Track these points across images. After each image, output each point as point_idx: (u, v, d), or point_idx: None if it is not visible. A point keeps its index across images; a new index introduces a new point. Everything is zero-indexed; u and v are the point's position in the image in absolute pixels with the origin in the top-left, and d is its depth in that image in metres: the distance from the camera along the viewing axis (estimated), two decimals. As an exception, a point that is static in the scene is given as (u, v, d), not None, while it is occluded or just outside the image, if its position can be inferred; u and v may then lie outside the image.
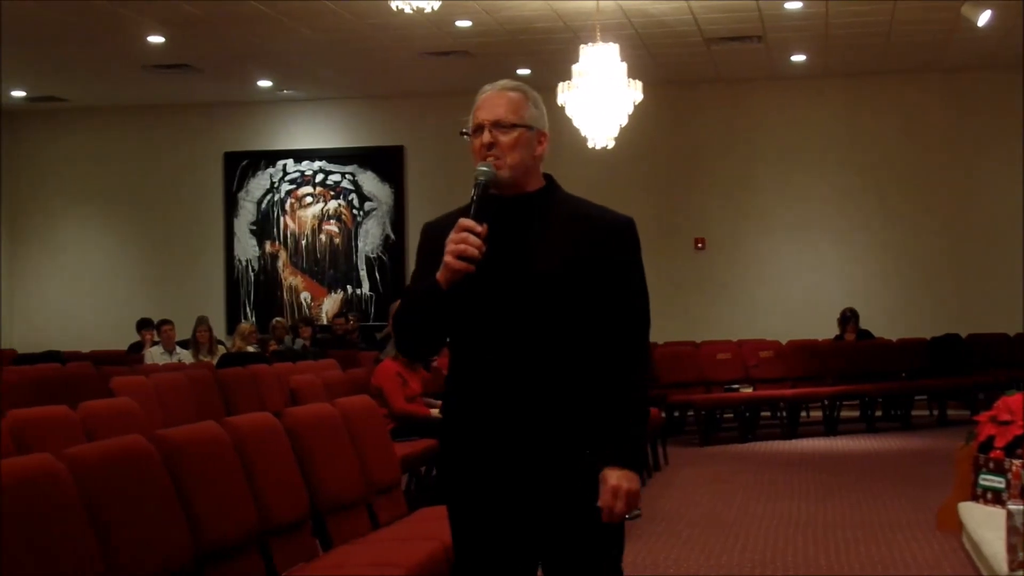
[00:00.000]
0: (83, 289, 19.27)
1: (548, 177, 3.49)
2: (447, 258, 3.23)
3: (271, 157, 19.07)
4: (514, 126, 3.38)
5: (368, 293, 18.85)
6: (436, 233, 3.43)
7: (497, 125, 3.38)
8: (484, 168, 3.34)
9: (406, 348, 3.57)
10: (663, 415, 13.12)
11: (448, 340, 3.46)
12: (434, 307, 3.32)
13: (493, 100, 3.42)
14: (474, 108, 3.43)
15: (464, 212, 3.33)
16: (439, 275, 3.26)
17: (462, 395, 3.40)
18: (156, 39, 14.79)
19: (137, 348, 15.73)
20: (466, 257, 3.22)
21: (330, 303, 18.91)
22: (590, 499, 3.26)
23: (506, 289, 3.32)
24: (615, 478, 3.25)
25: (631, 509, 3.27)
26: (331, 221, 18.97)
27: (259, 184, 19.08)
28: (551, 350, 3.31)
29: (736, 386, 14.63)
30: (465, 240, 3.23)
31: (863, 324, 16.26)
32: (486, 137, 3.37)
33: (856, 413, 15.60)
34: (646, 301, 3.47)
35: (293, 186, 19.03)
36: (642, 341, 3.45)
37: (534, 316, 3.30)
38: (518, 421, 3.30)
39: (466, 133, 3.46)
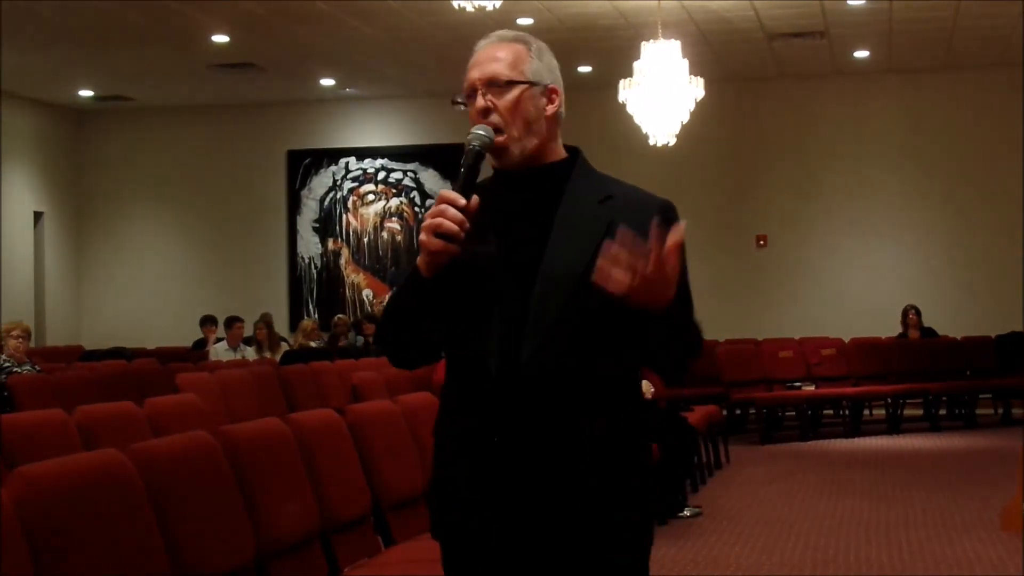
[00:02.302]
0: (149, 286, 19.46)
1: (573, 150, 2.82)
2: (421, 236, 2.62)
3: (333, 155, 19.17)
4: (511, 83, 2.73)
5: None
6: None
7: (491, 85, 2.74)
8: (479, 132, 2.70)
9: (388, 352, 2.87)
10: (724, 413, 13.09)
11: (442, 351, 2.81)
12: (415, 301, 2.70)
13: (486, 55, 2.78)
14: (468, 68, 2.79)
15: (481, 187, 2.72)
16: (419, 260, 2.67)
17: (455, 432, 2.75)
18: (221, 38, 14.92)
19: (201, 345, 15.88)
20: (444, 234, 2.59)
21: (392, 301, 18.94)
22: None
23: (515, 289, 2.67)
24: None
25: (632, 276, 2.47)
26: (393, 219, 19.05)
27: (322, 182, 19.19)
28: (574, 370, 2.64)
29: (798, 384, 14.55)
30: (442, 213, 2.59)
31: (927, 322, 16.12)
32: (479, 102, 2.74)
33: (919, 411, 15.46)
34: (690, 299, 2.71)
35: (355, 184, 19.12)
36: (687, 355, 2.75)
37: (551, 325, 2.63)
38: (531, 479, 2.62)
39: (460, 102, 2.85)
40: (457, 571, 2.76)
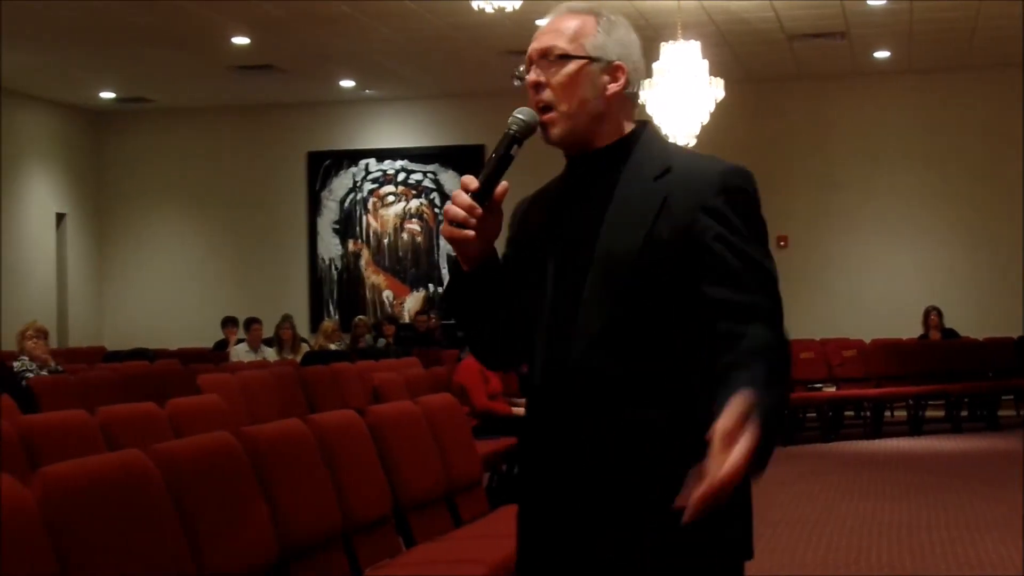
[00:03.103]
0: (170, 287, 19.52)
1: (640, 124, 2.60)
2: (442, 227, 2.51)
3: (353, 156, 19.20)
4: (567, 57, 2.51)
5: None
6: (520, 214, 2.72)
7: (545, 57, 2.53)
8: (519, 116, 2.51)
9: (477, 355, 2.78)
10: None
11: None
12: (456, 295, 2.59)
13: (550, 26, 2.57)
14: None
15: (552, 185, 2.65)
16: (455, 252, 2.55)
17: (530, 411, 2.61)
18: (241, 40, 14.96)
19: (222, 346, 15.92)
20: (454, 221, 2.48)
21: (412, 301, 19.00)
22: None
23: (566, 280, 2.52)
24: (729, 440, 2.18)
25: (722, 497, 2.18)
26: (413, 220, 19.06)
27: (342, 183, 19.22)
28: (628, 361, 2.45)
29: (819, 385, 14.51)
30: (454, 199, 2.48)
31: (948, 323, 16.06)
32: (531, 75, 2.53)
33: (941, 413, 15.41)
34: (765, 279, 2.45)
35: (375, 185, 19.15)
36: (768, 335, 2.42)
37: (603, 314, 2.46)
38: (588, 462, 2.46)
39: (518, 76, 2.60)
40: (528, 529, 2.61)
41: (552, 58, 2.51)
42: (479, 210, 2.48)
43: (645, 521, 2.41)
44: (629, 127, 2.58)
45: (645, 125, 2.60)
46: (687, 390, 2.44)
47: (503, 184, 2.51)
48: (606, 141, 2.56)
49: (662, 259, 2.42)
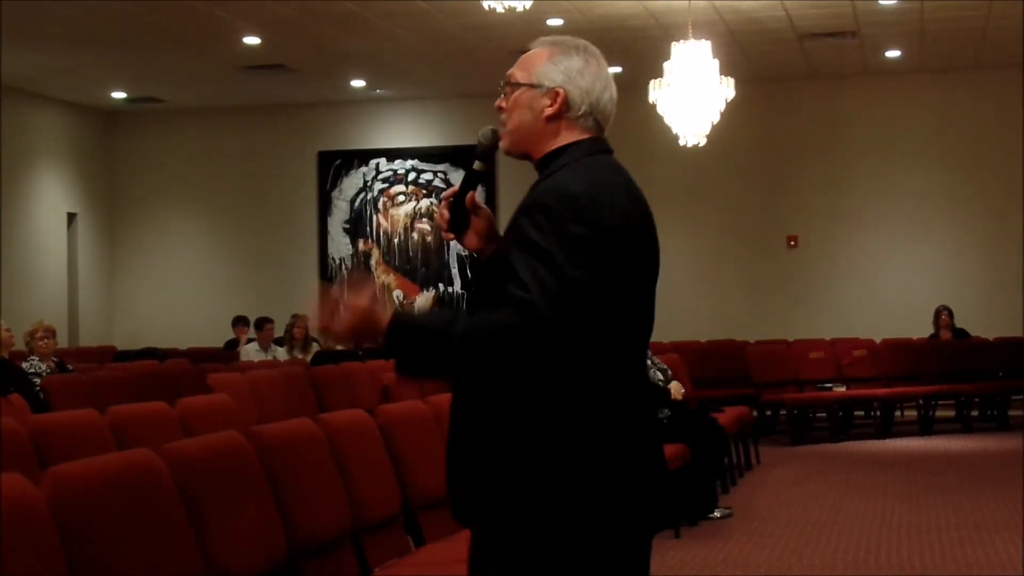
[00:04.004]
0: (180, 287, 19.55)
1: (575, 143, 2.88)
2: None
3: (364, 156, 19.22)
4: (518, 85, 2.90)
5: (460, 291, 18.93)
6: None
7: (505, 84, 2.96)
8: (479, 135, 3.01)
9: None
10: (755, 414, 13.06)
11: None
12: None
13: (522, 56, 2.98)
14: None
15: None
16: None
17: None
18: (252, 40, 14.98)
19: (232, 345, 15.94)
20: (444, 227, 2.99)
21: (422, 301, 18.95)
22: None
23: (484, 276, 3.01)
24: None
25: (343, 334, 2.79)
26: (423, 219, 19.06)
27: (352, 183, 19.24)
28: None
29: (829, 385, 14.49)
30: (440, 210, 3.02)
31: (959, 322, 16.03)
32: (497, 101, 2.98)
33: (952, 413, 15.38)
34: (538, 287, 2.60)
35: (386, 185, 19.16)
36: (504, 319, 2.60)
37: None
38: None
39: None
40: None
41: (508, 85, 2.92)
42: (447, 214, 2.96)
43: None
44: (564, 143, 2.88)
45: (579, 143, 2.86)
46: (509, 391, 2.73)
47: (470, 194, 2.97)
48: (540, 155, 2.90)
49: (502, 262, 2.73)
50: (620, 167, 2.88)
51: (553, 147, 2.87)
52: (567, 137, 2.87)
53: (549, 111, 2.86)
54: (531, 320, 2.58)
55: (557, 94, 2.86)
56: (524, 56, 2.93)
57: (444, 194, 3.00)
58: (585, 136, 2.88)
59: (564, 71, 2.87)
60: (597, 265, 2.64)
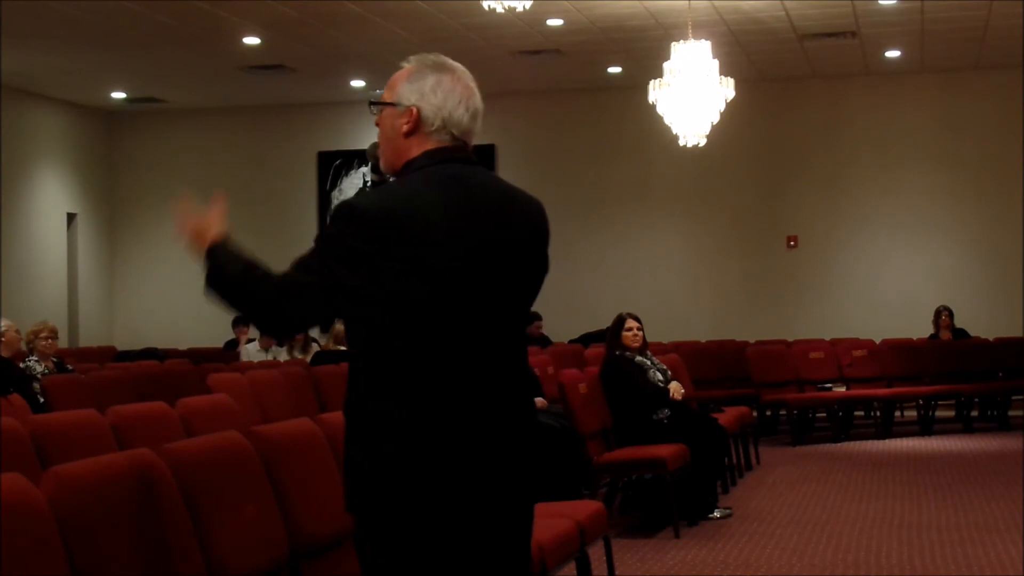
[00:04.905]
0: (181, 287, 19.52)
1: (422, 154, 3.15)
2: None
3: (364, 156, 19.21)
4: (383, 104, 3.21)
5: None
6: None
7: (372, 104, 3.27)
8: (371, 145, 3.31)
9: None
10: (755, 414, 13.06)
11: None
12: None
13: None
14: None
15: None
16: None
17: None
18: (252, 40, 14.99)
19: (232, 345, 15.94)
20: None
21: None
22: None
23: None
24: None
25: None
26: (423, 219, 19.04)
27: (352, 183, 19.23)
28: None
29: (829, 385, 14.48)
30: None
31: (959, 323, 16.03)
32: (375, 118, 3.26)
33: (952, 413, 15.38)
34: (304, 272, 3.27)
35: (386, 185, 19.15)
36: (274, 281, 3.36)
37: None
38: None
39: None
40: None
41: (373, 104, 3.22)
42: None
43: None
44: (413, 156, 3.13)
45: (418, 157, 3.11)
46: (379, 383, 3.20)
47: None
48: (399, 167, 3.14)
49: None
50: (456, 176, 3.06)
51: (405, 160, 3.14)
52: (418, 151, 3.13)
53: (405, 128, 3.13)
54: (276, 295, 3.33)
55: (411, 112, 3.12)
56: (393, 76, 3.20)
57: None
58: (438, 150, 3.12)
59: (418, 90, 3.13)
60: (352, 262, 3.00)
